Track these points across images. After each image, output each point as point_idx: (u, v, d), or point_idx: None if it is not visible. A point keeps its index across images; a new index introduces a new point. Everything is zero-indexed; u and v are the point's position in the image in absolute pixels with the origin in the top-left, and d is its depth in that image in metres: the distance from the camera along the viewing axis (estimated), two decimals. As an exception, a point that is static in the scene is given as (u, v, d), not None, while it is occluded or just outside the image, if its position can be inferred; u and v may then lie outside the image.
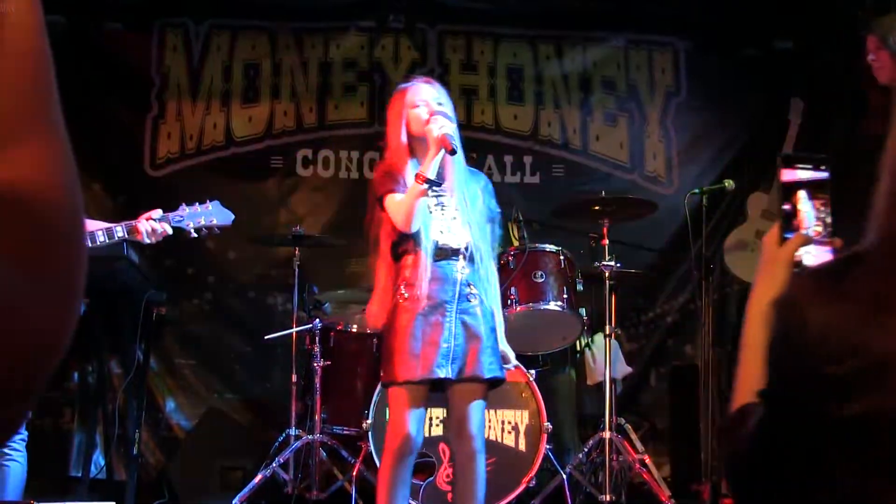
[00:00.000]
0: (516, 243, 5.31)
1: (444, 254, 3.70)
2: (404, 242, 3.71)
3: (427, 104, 3.73)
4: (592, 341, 5.78)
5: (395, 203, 3.66)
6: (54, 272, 0.79)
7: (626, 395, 6.48)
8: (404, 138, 3.74)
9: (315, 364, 5.16)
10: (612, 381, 5.23)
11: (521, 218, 5.46)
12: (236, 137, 6.74)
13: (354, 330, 5.36)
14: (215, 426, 5.92)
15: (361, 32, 6.91)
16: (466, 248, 3.73)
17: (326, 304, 5.68)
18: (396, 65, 6.90)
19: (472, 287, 3.72)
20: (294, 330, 5.39)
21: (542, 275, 5.05)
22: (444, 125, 3.60)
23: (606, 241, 5.24)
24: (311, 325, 5.23)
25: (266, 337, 5.52)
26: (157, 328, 6.01)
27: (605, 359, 5.14)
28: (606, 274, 5.19)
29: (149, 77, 6.72)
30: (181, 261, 6.53)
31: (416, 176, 3.58)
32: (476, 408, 3.69)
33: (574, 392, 6.03)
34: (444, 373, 3.59)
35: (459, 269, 3.71)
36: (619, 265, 5.23)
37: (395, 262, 3.75)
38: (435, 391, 3.70)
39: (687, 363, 6.62)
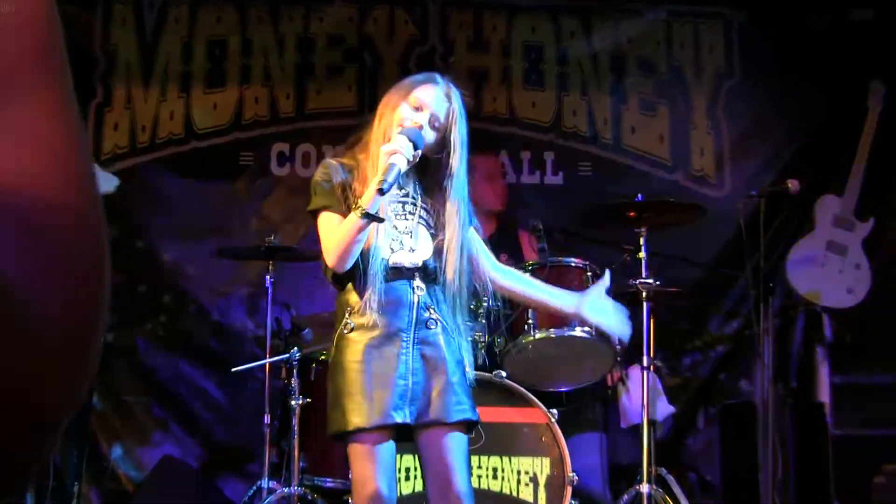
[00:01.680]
0: (535, 256, 5.32)
1: (396, 273, 3.66)
2: None
3: (428, 110, 3.67)
4: (627, 375, 5.78)
5: (328, 227, 3.60)
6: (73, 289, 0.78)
7: (669, 440, 6.49)
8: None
9: (293, 402, 5.16)
10: (651, 423, 5.22)
11: (540, 226, 5.47)
12: (198, 129, 6.77)
13: (340, 361, 5.36)
14: (171, 477, 5.91)
15: (349, 3, 6.94)
16: (423, 265, 3.70)
17: (307, 330, 5.69)
18: (391, 42, 6.92)
19: (431, 310, 3.68)
20: (267, 361, 5.39)
21: (565, 294, 5.05)
22: (397, 151, 3.46)
23: (643, 254, 5.23)
24: (287, 355, 5.23)
25: (234, 369, 5.51)
26: (101, 358, 6.00)
27: (642, 396, 5.14)
28: (644, 294, 5.18)
29: (91, 56, 6.75)
30: (131, 277, 6.55)
31: (355, 206, 3.48)
32: (458, 455, 3.63)
33: (605, 436, 6.03)
34: (401, 417, 3.54)
35: (414, 288, 3.68)
36: (658, 283, 5.22)
37: (336, 286, 3.70)
38: (400, 440, 3.67)
39: (742, 402, 6.62)
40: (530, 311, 4.97)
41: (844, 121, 6.86)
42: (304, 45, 6.89)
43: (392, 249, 3.65)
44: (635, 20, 7.09)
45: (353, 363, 3.57)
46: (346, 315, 3.62)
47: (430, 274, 3.67)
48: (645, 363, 5.19)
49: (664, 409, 5.86)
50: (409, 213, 3.72)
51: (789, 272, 6.62)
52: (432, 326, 3.65)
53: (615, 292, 5.26)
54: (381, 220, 3.52)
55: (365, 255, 3.59)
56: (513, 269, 4.16)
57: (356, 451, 3.57)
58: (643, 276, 5.19)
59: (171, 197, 6.70)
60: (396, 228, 3.66)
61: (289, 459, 5.17)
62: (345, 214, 3.55)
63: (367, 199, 3.44)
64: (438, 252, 3.69)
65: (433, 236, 3.71)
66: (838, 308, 6.69)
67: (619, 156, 6.96)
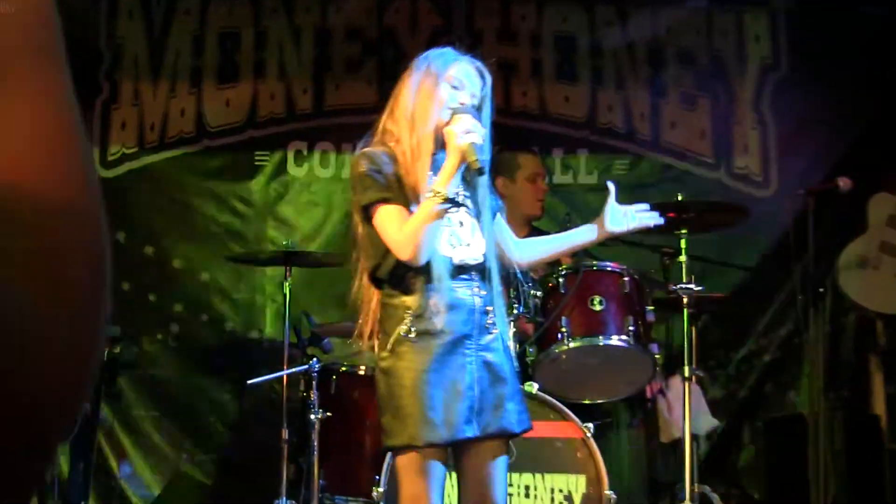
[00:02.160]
0: (568, 260, 5.31)
1: (460, 272, 3.66)
2: (401, 265, 3.61)
3: (463, 89, 3.69)
4: (667, 386, 5.77)
5: (393, 220, 3.55)
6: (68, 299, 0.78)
7: (712, 455, 6.47)
8: (431, 125, 3.65)
9: (312, 416, 5.16)
10: (693, 437, 5.21)
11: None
12: (210, 127, 6.78)
13: (362, 372, 5.36)
14: (184, 495, 5.93)
15: (369, -8, 6.96)
16: (482, 264, 3.70)
17: (326, 340, 5.69)
18: (413, 33, 6.92)
19: (490, 313, 3.70)
20: (285, 372, 5.39)
21: (601, 301, 5.05)
22: (471, 130, 3.51)
23: (684, 258, 5.22)
24: (306, 367, 5.23)
25: (249, 381, 5.52)
26: (109, 371, 6.04)
27: (683, 409, 5.13)
28: (685, 300, 5.16)
29: (97, 50, 6.77)
30: (139, 284, 6.56)
31: (431, 191, 3.48)
32: (501, 469, 3.68)
33: (644, 452, 6.02)
34: (471, 431, 3.56)
35: (475, 291, 3.68)
36: (701, 288, 5.20)
37: (384, 290, 3.67)
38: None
39: (791, 414, 6.61)
40: (564, 318, 4.96)
41: (898, 114, 6.84)
42: (322, 37, 6.89)
43: (452, 245, 3.64)
44: (674, 8, 7.08)
45: (419, 372, 3.54)
46: (407, 319, 3.58)
47: (485, 272, 3.68)
48: (686, 373, 5.16)
49: (707, 422, 5.84)
50: (465, 203, 3.72)
51: (840, 276, 6.59)
52: (493, 331, 3.67)
53: (656, 298, 5.28)
54: (460, 205, 3.58)
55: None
56: (525, 239, 4.21)
57: (413, 465, 3.57)
58: (684, 281, 5.17)
59: (182, 199, 6.72)
60: (449, 221, 3.64)
61: (307, 477, 5.17)
62: (406, 206, 3.56)
63: (444, 181, 3.47)
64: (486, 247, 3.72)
65: (479, 229, 3.72)
66: (892, 313, 6.66)
67: (658, 153, 6.95)
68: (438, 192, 3.46)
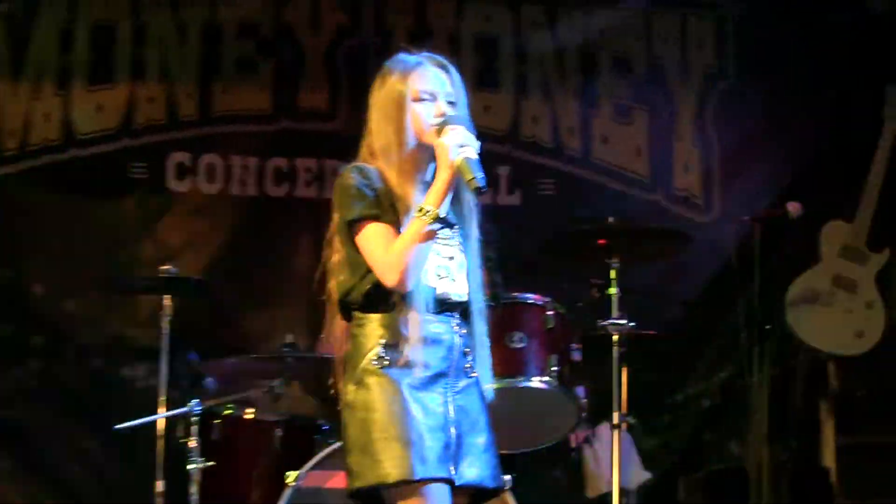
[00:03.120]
0: (485, 293, 5.32)
1: (440, 307, 3.67)
2: (378, 289, 3.65)
3: (436, 98, 3.71)
4: (594, 435, 5.80)
5: (380, 240, 3.55)
6: None
7: (644, 512, 6.51)
8: (412, 142, 3.65)
9: (191, 465, 5.14)
10: (623, 492, 5.24)
11: (492, 256, 5.47)
12: (79, 134, 6.73)
13: (250, 416, 5.34)
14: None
15: (264, -16, 6.96)
16: (467, 301, 3.71)
17: (209, 379, 5.67)
18: (315, 32, 6.93)
19: (468, 357, 3.71)
20: (162, 416, 5.37)
21: (521, 338, 5.06)
22: (465, 143, 3.50)
23: (615, 290, 5.26)
24: (186, 409, 5.20)
25: (119, 426, 5.47)
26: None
27: (612, 460, 5.16)
28: (615, 337, 5.21)
29: (-53, 46, 6.72)
30: (-5, 314, 6.51)
31: (420, 210, 3.48)
32: None
33: (568, 508, 6.05)
34: (447, 472, 3.52)
35: (456, 329, 3.70)
36: (633, 324, 5.25)
37: (354, 317, 3.65)
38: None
39: (731, 467, 6.66)
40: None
41: (856, 133, 6.94)
42: (210, 34, 6.88)
43: (438, 276, 3.64)
44: (609, 10, 7.15)
45: (390, 405, 3.51)
46: (379, 347, 3.56)
47: (468, 312, 3.69)
48: (615, 420, 5.21)
49: (639, 475, 5.89)
50: (453, 236, 3.70)
51: (789, 312, 6.68)
52: (472, 375, 3.67)
53: (584, 335, 5.31)
54: (452, 225, 3.60)
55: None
56: None
57: None
58: (614, 315, 5.22)
59: (46, 217, 6.65)
60: (439, 253, 3.65)
61: (186, 536, 5.15)
62: (395, 226, 3.55)
63: (434, 199, 3.47)
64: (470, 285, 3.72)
65: (464, 265, 3.71)
66: (846, 355, 6.74)
67: (588, 171, 7.00)
68: (428, 211, 3.47)
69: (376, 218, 3.55)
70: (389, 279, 3.51)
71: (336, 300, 3.68)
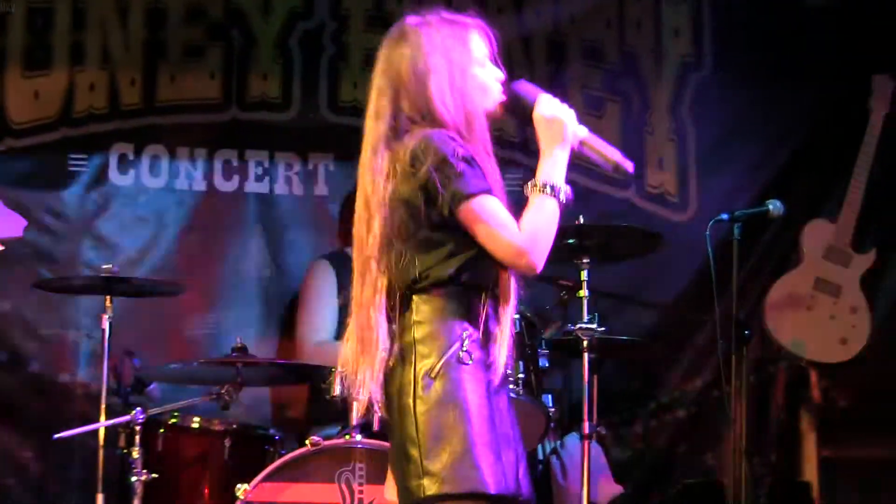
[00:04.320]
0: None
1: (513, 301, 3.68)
2: (476, 271, 3.56)
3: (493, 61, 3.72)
4: (562, 446, 5.83)
5: (504, 217, 3.49)
6: None
7: (615, 528, 6.54)
8: (480, 108, 3.64)
9: (133, 478, 5.14)
10: (593, 506, 5.26)
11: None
12: (14, 124, 6.70)
13: (196, 425, 5.36)
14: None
15: (213, -36, 6.96)
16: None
17: (153, 385, 5.67)
18: (266, 16, 6.92)
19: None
20: (102, 424, 5.36)
21: (485, 343, 5.09)
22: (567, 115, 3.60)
23: (585, 293, 5.29)
24: (128, 418, 5.21)
25: (57, 435, 5.47)
26: None
27: (581, 473, 5.18)
28: (585, 342, 5.22)
29: None
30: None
31: (545, 186, 3.52)
32: None
33: (535, 523, 6.06)
34: (523, 488, 3.53)
35: (515, 322, 3.72)
36: (604, 329, 5.26)
37: (423, 300, 3.52)
38: None
39: (707, 480, 6.69)
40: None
41: (841, 124, 6.99)
42: (155, 17, 6.85)
43: None
44: (580, -7, 7.17)
45: (482, 407, 3.44)
46: (465, 340, 3.48)
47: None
48: (585, 431, 5.22)
49: (609, 489, 5.90)
50: None
51: (768, 317, 6.72)
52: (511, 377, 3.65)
53: (552, 341, 5.32)
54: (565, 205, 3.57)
55: (486, 270, 3.55)
56: None
57: None
58: (584, 320, 5.23)
59: (-22, 211, 6.63)
60: None
61: (127, 552, 5.16)
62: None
63: (562, 176, 3.52)
64: None
65: None
66: (829, 362, 6.78)
67: (557, 166, 7.00)
68: (559, 189, 3.51)
69: (490, 191, 3.48)
70: (523, 261, 3.48)
71: (399, 285, 3.54)
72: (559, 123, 3.56)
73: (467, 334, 3.47)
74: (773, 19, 7.13)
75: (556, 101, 3.60)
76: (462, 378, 3.42)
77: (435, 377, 3.41)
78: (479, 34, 3.74)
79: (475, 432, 3.37)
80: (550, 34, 7.11)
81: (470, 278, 3.50)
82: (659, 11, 7.22)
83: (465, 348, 3.44)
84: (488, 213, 3.44)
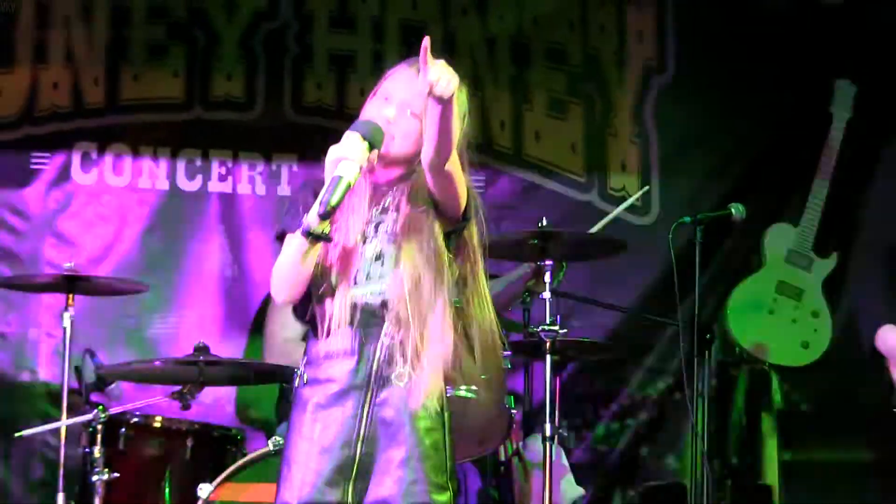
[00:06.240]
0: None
1: (363, 315, 3.65)
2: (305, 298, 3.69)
3: (391, 102, 3.71)
4: (524, 448, 5.84)
5: (283, 254, 3.64)
6: None
7: (576, 530, 6.57)
8: None
9: (95, 477, 5.14)
10: (555, 508, 5.28)
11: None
12: (-24, 122, 6.70)
13: (158, 424, 5.38)
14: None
15: (177, -37, 6.95)
16: (393, 304, 3.69)
17: (115, 384, 5.66)
18: (230, 16, 6.90)
19: (394, 364, 3.67)
20: (63, 423, 5.36)
21: (448, 344, 5.10)
22: (346, 156, 3.49)
23: (548, 295, 5.32)
24: (89, 417, 5.20)
25: (17, 434, 5.47)
26: None
27: (544, 475, 5.21)
28: (547, 344, 5.25)
29: None
30: None
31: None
32: None
33: (495, 526, 6.08)
34: (336, 495, 3.59)
35: (378, 336, 3.73)
36: (566, 331, 5.29)
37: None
38: None
39: (668, 483, 6.72)
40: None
41: (803, 129, 7.04)
42: (118, 15, 6.83)
43: (356, 283, 3.65)
44: (544, -4, 7.19)
45: (298, 425, 3.61)
46: (303, 365, 3.67)
47: (401, 313, 3.63)
48: (547, 433, 5.24)
49: (571, 490, 5.91)
50: (385, 231, 3.69)
51: (730, 320, 6.75)
52: (397, 383, 3.65)
53: (513, 343, 5.34)
54: (328, 240, 3.54)
55: (324, 291, 3.63)
56: None
57: None
58: (546, 322, 5.26)
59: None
60: (363, 255, 3.66)
61: (88, 552, 5.16)
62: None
63: (311, 214, 3.48)
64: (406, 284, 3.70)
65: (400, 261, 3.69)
66: (791, 366, 6.81)
67: (520, 169, 7.06)
68: (307, 226, 3.50)
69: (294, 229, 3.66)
70: (272, 288, 3.69)
71: None
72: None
73: (304, 359, 3.71)
74: (736, 25, 7.17)
75: (354, 136, 3.50)
76: (294, 402, 3.70)
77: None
78: (401, 76, 3.82)
79: (288, 450, 3.65)
80: (514, 35, 7.12)
81: (309, 308, 3.71)
82: (622, 14, 7.25)
83: (302, 371, 3.69)
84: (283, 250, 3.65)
